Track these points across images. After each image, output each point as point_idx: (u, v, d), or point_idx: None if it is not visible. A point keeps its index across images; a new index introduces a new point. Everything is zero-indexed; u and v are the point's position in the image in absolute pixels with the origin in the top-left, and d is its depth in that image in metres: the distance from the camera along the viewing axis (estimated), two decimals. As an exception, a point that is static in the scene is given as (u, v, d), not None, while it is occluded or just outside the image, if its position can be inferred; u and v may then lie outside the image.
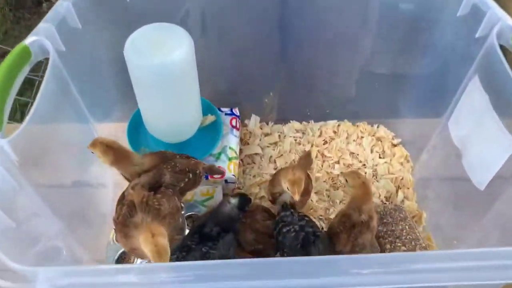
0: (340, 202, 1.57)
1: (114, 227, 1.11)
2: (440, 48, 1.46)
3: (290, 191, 1.21)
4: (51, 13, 1.19)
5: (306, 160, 1.41)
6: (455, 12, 1.28)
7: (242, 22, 1.52)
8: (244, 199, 1.25)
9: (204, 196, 1.49)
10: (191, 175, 1.25)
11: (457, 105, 1.32)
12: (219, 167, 1.48)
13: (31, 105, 1.05)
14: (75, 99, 1.32)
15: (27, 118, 1.00)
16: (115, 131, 1.54)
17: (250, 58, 1.62)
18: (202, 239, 1.16)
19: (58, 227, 1.15)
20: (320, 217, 1.54)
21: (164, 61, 1.20)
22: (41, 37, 1.11)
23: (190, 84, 1.34)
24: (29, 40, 1.08)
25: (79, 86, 1.31)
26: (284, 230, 1.19)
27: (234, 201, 1.22)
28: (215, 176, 1.48)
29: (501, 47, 1.12)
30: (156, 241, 1.01)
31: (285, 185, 1.23)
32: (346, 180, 1.24)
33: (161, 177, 1.20)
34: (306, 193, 1.33)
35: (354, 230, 1.24)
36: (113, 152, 1.17)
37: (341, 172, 1.58)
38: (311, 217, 1.51)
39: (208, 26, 1.51)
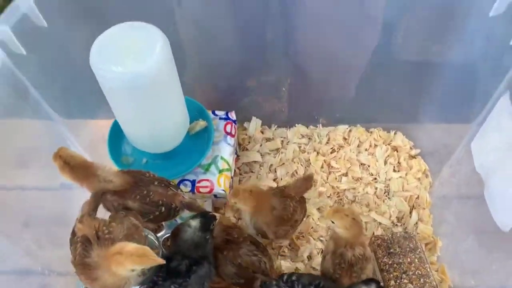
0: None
1: (75, 270, 0.99)
2: (471, 47, 1.23)
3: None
4: (7, 12, 1.04)
5: (303, 183, 1.22)
6: (487, 11, 1.05)
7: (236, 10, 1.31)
8: (206, 218, 1.06)
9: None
10: (163, 208, 1.10)
11: (483, 124, 1.10)
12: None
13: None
14: (35, 100, 1.20)
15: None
16: (103, 128, 1.39)
17: (250, 51, 1.41)
18: (170, 274, 1.02)
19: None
20: (321, 238, 1.37)
21: (136, 70, 1.04)
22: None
23: (169, 91, 1.17)
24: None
25: (44, 86, 1.20)
26: None
27: (194, 223, 1.04)
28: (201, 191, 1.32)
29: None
30: (129, 251, 0.88)
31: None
32: (333, 222, 1.05)
33: (101, 199, 1.07)
34: (286, 222, 1.17)
35: (354, 269, 1.07)
36: (69, 169, 1.03)
37: (323, 216, 1.39)
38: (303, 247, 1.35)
39: (198, 19, 1.33)
